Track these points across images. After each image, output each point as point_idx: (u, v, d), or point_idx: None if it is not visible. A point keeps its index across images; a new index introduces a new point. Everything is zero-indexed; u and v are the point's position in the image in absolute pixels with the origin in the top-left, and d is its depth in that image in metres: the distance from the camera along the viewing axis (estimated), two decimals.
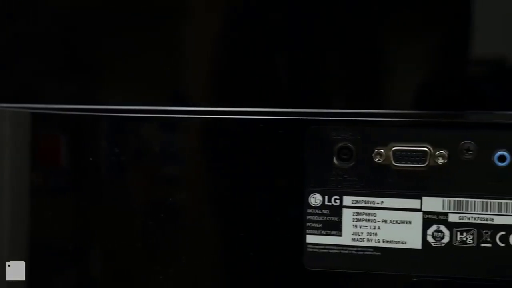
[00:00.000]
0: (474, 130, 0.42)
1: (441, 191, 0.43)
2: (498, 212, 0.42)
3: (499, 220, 0.42)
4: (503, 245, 0.42)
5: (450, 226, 0.43)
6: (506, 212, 0.42)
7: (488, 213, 0.42)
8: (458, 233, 0.43)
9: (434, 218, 0.43)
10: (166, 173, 0.46)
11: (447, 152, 0.42)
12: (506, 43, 0.42)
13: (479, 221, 0.42)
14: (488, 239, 0.42)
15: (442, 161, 0.42)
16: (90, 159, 0.46)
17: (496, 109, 0.42)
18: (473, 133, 0.42)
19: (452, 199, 0.43)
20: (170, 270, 0.46)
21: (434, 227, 0.43)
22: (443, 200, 0.43)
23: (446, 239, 0.43)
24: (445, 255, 0.43)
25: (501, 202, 0.42)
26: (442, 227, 0.43)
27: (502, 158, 0.42)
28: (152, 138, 0.46)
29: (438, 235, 0.43)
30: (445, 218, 0.43)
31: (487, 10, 0.43)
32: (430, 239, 0.43)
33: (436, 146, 0.43)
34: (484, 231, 0.42)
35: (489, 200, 0.42)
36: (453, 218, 0.43)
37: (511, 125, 0.42)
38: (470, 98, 0.43)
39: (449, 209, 0.43)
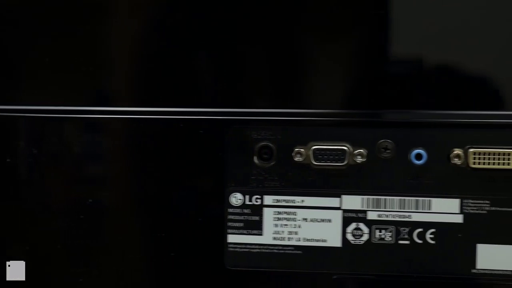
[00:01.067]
0: (392, 129, 0.43)
1: (360, 189, 0.43)
2: (415, 209, 0.43)
3: (416, 217, 0.43)
4: (420, 241, 0.43)
5: (369, 223, 0.43)
6: (423, 209, 0.43)
7: (406, 210, 0.43)
8: (377, 231, 0.43)
9: (353, 216, 0.43)
10: (86, 174, 0.45)
11: (365, 151, 0.43)
12: (423, 43, 0.43)
13: (397, 219, 0.43)
14: (406, 236, 0.43)
15: (361, 159, 0.43)
16: (8, 160, 0.45)
17: (413, 108, 0.43)
18: (390, 132, 0.43)
19: (370, 197, 0.43)
20: (91, 272, 0.45)
21: (353, 225, 0.43)
22: (362, 198, 0.43)
23: (365, 237, 0.43)
24: (365, 252, 0.43)
25: (418, 200, 0.43)
26: (361, 225, 0.43)
27: (418, 156, 0.43)
28: (71, 138, 0.45)
29: (357, 233, 0.43)
30: (364, 216, 0.43)
31: (405, 10, 0.43)
32: (349, 237, 0.43)
33: (355, 145, 0.43)
34: (402, 228, 0.43)
35: (406, 198, 0.43)
36: (372, 216, 0.43)
37: (427, 124, 0.42)
38: (388, 98, 0.43)
39: (368, 207, 0.43)
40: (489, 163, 0.42)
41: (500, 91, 0.42)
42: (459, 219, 0.42)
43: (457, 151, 0.42)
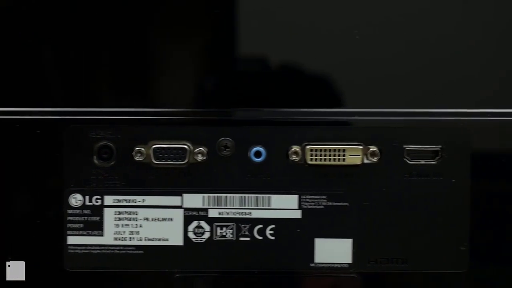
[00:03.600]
0: (231, 127, 0.43)
1: (201, 187, 0.43)
2: (255, 206, 0.43)
3: (256, 214, 0.43)
4: (260, 238, 0.43)
5: (210, 221, 0.43)
6: (263, 206, 0.43)
7: (246, 207, 0.43)
8: (218, 228, 0.43)
9: (194, 215, 0.43)
10: None
11: (206, 149, 0.43)
12: (263, 42, 0.43)
13: (237, 216, 0.43)
14: (247, 233, 0.43)
15: (201, 158, 0.43)
16: None
17: (252, 106, 0.43)
18: (230, 130, 0.43)
19: (211, 195, 0.43)
20: None
21: (195, 223, 0.43)
22: (203, 196, 0.43)
23: (206, 235, 0.43)
24: (206, 250, 0.43)
25: (257, 197, 0.43)
26: (203, 223, 0.43)
27: (258, 154, 0.43)
28: None
29: (199, 231, 0.43)
30: (205, 214, 0.43)
31: (252, 9, 0.43)
32: (191, 235, 0.43)
33: (196, 144, 0.43)
34: (243, 225, 0.43)
35: (246, 195, 0.43)
36: (213, 213, 0.43)
37: (265, 122, 0.43)
38: (227, 96, 0.43)
39: (209, 205, 0.43)
40: (325, 160, 0.43)
41: (335, 90, 0.43)
42: (297, 214, 0.43)
43: (295, 148, 0.43)
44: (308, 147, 0.43)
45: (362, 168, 0.43)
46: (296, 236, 0.44)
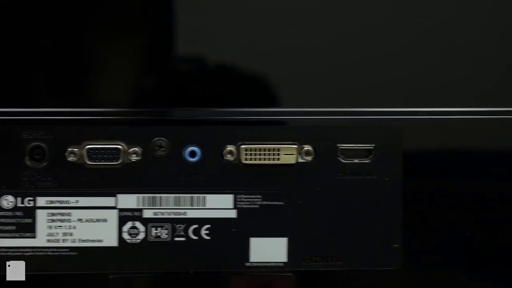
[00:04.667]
0: (166, 127, 0.43)
1: (136, 188, 0.43)
2: (190, 206, 0.43)
3: (191, 214, 0.43)
4: (196, 237, 0.43)
5: (145, 222, 0.43)
6: (198, 206, 0.43)
7: (181, 207, 0.43)
8: (153, 229, 0.43)
9: (129, 215, 0.43)
10: None
11: (140, 149, 0.43)
12: (197, 42, 0.43)
13: (172, 216, 0.43)
14: (182, 233, 0.43)
15: (135, 158, 0.43)
16: None
17: (186, 106, 0.43)
18: (164, 130, 0.43)
19: (146, 195, 0.43)
20: None
21: (129, 224, 0.43)
22: (138, 197, 0.43)
23: (141, 235, 0.43)
24: (141, 251, 0.43)
25: (192, 196, 0.43)
26: (138, 224, 0.43)
27: (192, 154, 0.43)
28: None
29: (133, 231, 0.43)
30: (140, 215, 0.43)
31: (187, 8, 0.43)
32: (126, 236, 0.43)
33: (130, 144, 0.43)
34: (178, 225, 0.43)
35: (181, 195, 0.43)
36: (147, 214, 0.43)
37: (200, 122, 0.43)
38: (162, 96, 0.43)
39: (144, 205, 0.43)
40: (260, 159, 0.43)
41: (270, 89, 0.43)
42: (233, 214, 0.43)
43: (230, 147, 0.43)
44: (243, 146, 0.43)
45: (296, 167, 0.44)
46: (232, 235, 0.44)
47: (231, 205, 0.44)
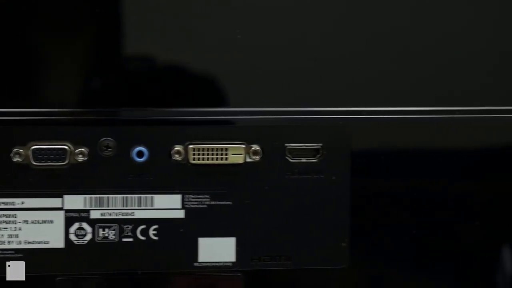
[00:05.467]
0: (113, 127, 0.43)
1: (83, 188, 0.43)
2: (138, 206, 0.43)
3: (139, 214, 0.43)
4: (143, 238, 0.43)
5: (92, 223, 0.43)
6: (146, 206, 0.43)
7: (129, 208, 0.43)
8: (100, 230, 0.43)
9: (76, 216, 0.43)
10: None
11: (87, 150, 0.42)
12: (149, 43, 0.43)
13: (120, 217, 0.43)
14: (130, 234, 0.43)
15: (82, 158, 0.42)
16: None
17: (134, 106, 0.43)
18: (111, 130, 0.42)
19: (93, 196, 0.43)
20: None
21: (76, 225, 0.43)
22: (85, 198, 0.43)
23: (88, 236, 0.43)
24: (89, 252, 0.43)
25: (140, 197, 0.43)
26: (85, 225, 0.43)
27: (140, 154, 0.43)
28: None
29: (80, 232, 0.43)
30: (87, 216, 0.43)
31: (135, 8, 0.43)
32: (72, 237, 0.43)
33: (76, 144, 0.42)
34: (126, 226, 0.43)
35: (129, 196, 0.43)
36: (95, 215, 0.43)
37: (148, 121, 0.43)
38: (109, 96, 0.43)
39: (91, 206, 0.43)
40: (208, 159, 0.43)
41: (218, 89, 0.43)
42: (181, 214, 0.43)
43: (177, 147, 0.43)
44: (191, 146, 0.43)
45: (244, 167, 0.44)
46: (180, 235, 0.44)
47: (179, 205, 0.43)
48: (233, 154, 0.44)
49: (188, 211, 0.44)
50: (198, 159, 0.43)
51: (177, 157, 0.43)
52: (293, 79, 0.44)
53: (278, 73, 0.44)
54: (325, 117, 0.44)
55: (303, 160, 0.44)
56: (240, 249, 0.44)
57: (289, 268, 0.44)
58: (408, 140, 0.45)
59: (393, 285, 0.46)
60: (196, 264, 0.44)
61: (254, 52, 0.44)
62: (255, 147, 0.44)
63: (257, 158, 0.44)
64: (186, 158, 0.43)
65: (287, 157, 0.44)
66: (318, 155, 0.44)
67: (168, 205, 0.44)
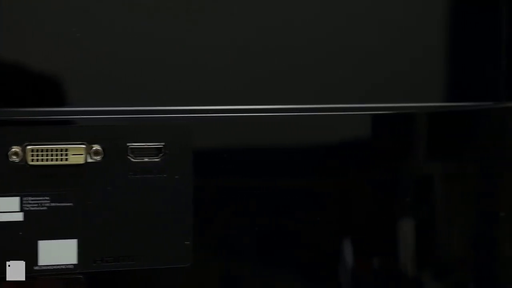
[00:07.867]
0: None
1: None
2: None
3: None
4: None
5: None
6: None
7: None
8: None
9: None
10: None
11: None
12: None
13: None
14: None
15: None
16: None
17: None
18: None
19: None
20: None
21: None
22: None
23: None
24: None
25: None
26: None
27: None
28: None
29: None
30: None
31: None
32: None
33: None
34: None
35: None
36: None
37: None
38: None
39: None
40: (47, 160, 0.42)
41: (56, 88, 0.43)
42: (19, 217, 0.42)
43: (15, 148, 0.42)
44: (29, 147, 0.42)
45: (86, 167, 0.43)
46: (18, 239, 0.42)
47: (17, 208, 0.42)
48: (73, 154, 0.43)
49: (27, 213, 0.43)
50: (37, 160, 0.43)
51: (14, 158, 0.42)
52: (134, 78, 0.44)
53: (119, 72, 0.44)
54: (167, 116, 0.44)
55: (146, 159, 0.44)
56: (82, 251, 0.43)
57: (133, 268, 0.44)
58: (250, 139, 0.46)
59: (238, 282, 0.47)
60: (36, 267, 0.43)
61: (95, 50, 0.44)
62: (96, 147, 0.43)
63: (98, 158, 0.43)
64: (24, 159, 0.42)
65: (129, 157, 0.44)
66: (161, 154, 0.44)
67: (5, 208, 0.43)
